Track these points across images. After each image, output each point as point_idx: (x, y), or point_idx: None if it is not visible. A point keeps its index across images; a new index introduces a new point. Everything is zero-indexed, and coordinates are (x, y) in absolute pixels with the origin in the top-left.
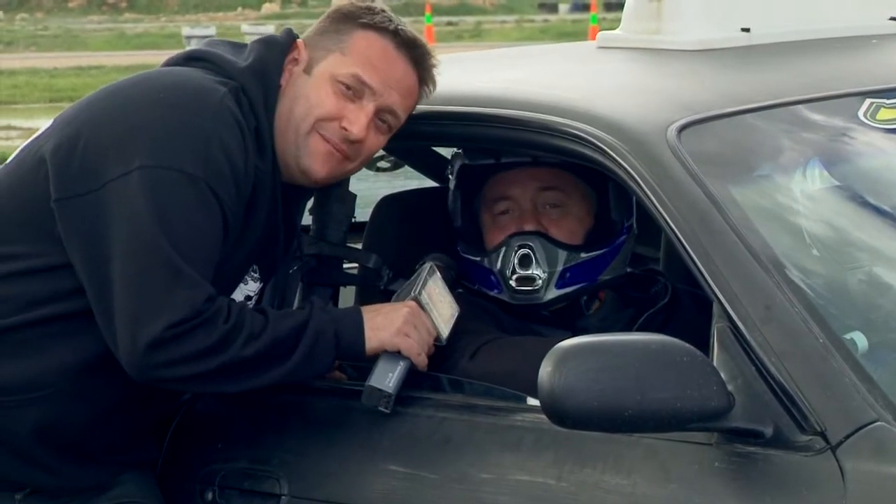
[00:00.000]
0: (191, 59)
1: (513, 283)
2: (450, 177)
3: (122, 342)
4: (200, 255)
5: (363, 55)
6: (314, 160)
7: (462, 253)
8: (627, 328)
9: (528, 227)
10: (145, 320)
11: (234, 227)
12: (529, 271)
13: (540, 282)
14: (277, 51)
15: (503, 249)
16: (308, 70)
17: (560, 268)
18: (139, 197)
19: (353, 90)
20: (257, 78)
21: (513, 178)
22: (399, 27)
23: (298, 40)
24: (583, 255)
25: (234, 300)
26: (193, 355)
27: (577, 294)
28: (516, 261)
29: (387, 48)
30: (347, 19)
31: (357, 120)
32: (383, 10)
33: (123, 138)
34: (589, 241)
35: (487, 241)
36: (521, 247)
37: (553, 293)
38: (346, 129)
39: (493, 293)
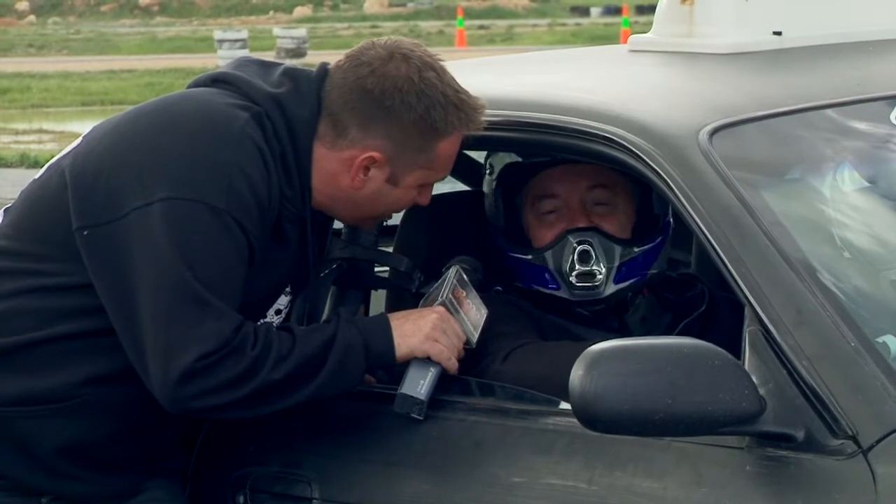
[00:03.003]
0: (216, 80)
1: (573, 279)
2: (487, 176)
3: (154, 375)
4: (226, 286)
5: (446, 162)
6: (374, 226)
7: (508, 252)
8: (667, 333)
9: (580, 224)
10: (175, 354)
11: (261, 253)
12: (589, 267)
13: (601, 277)
14: (307, 92)
15: (559, 246)
16: (394, 182)
17: (617, 263)
18: (161, 229)
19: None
20: (280, 111)
21: (560, 175)
22: (462, 112)
23: (377, 155)
24: (636, 249)
25: (261, 324)
26: (224, 384)
27: (630, 289)
28: (576, 257)
29: (460, 141)
30: (426, 133)
31: (427, 194)
32: (441, 92)
33: (144, 168)
34: (636, 236)
35: (536, 238)
36: (580, 243)
37: (612, 288)
38: (418, 203)
39: (549, 290)
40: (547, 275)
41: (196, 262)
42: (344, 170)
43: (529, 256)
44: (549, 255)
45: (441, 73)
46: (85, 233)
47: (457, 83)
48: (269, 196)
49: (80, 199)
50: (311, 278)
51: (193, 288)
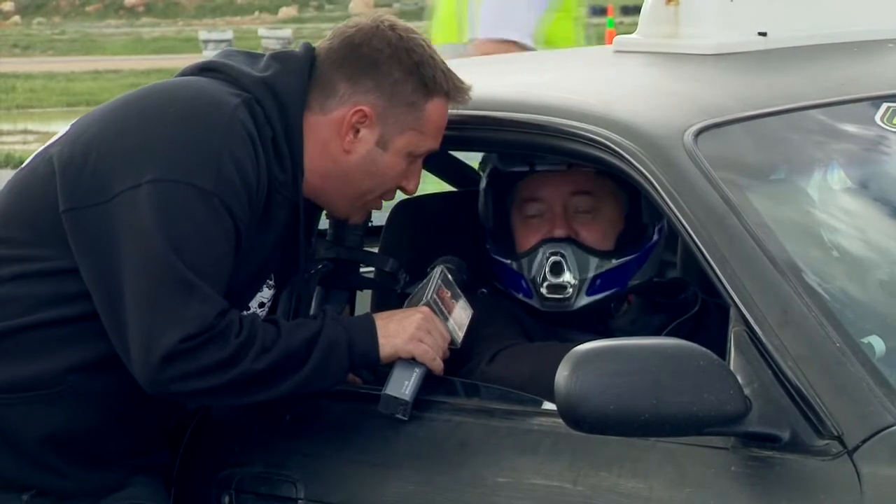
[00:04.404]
0: (205, 69)
1: (543, 290)
2: (481, 175)
3: (136, 357)
4: (212, 269)
5: (436, 128)
6: (363, 216)
7: (492, 254)
8: (657, 334)
9: (559, 232)
10: (158, 335)
11: (247, 238)
12: (561, 279)
13: (571, 290)
14: (295, 68)
15: (534, 255)
16: (383, 146)
17: (591, 275)
18: (148, 211)
19: (420, 156)
20: (271, 93)
21: (545, 181)
22: (451, 78)
23: (367, 109)
24: (614, 261)
25: (246, 313)
26: (206, 369)
27: (607, 299)
28: (548, 268)
29: (447, 110)
30: (416, 89)
31: (415, 178)
32: (430, 55)
33: (134, 151)
34: (620, 244)
35: (518, 243)
36: (552, 254)
37: (584, 300)
38: (403, 187)
39: (522, 298)
40: (523, 282)
41: (183, 245)
42: (335, 133)
43: (509, 261)
44: (524, 262)
45: (427, 42)
46: (73, 215)
47: (441, 57)
48: (257, 181)
49: (69, 183)
50: (301, 261)
51: (179, 270)
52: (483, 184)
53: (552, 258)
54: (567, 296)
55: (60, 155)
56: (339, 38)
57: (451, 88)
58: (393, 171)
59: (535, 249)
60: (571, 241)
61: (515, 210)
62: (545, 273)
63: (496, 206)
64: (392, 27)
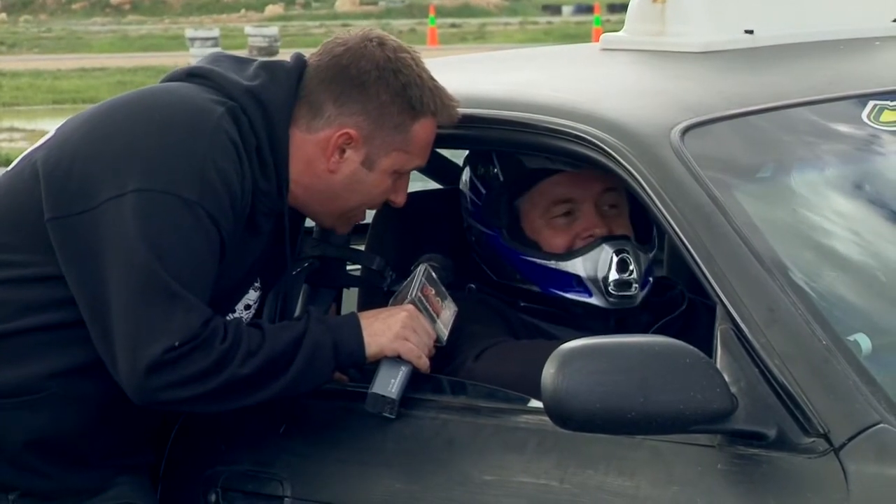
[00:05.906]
0: (191, 75)
1: (612, 288)
2: (474, 174)
3: (122, 366)
4: (196, 279)
5: (422, 146)
6: (348, 228)
7: (520, 255)
8: (644, 332)
9: (598, 231)
10: (143, 344)
11: (232, 247)
12: (628, 275)
13: (636, 285)
14: (283, 80)
15: (593, 254)
16: (369, 166)
17: (644, 268)
18: (132, 220)
19: (406, 173)
20: (256, 103)
21: (574, 179)
22: (438, 97)
23: (353, 132)
24: (650, 254)
25: (231, 319)
26: (192, 377)
27: (647, 294)
28: (615, 266)
29: (435, 128)
30: (403, 111)
31: (402, 192)
32: (417, 74)
33: (118, 160)
34: (642, 238)
35: (549, 243)
36: (619, 252)
37: (641, 295)
38: (391, 200)
39: (577, 297)
40: (576, 282)
41: (167, 254)
42: (320, 153)
43: (552, 262)
44: (579, 262)
45: (416, 59)
46: (58, 223)
47: (431, 73)
48: (241, 190)
49: (53, 190)
50: (287, 270)
51: (163, 280)
52: (496, 183)
53: (620, 255)
54: (633, 292)
55: (46, 160)
56: (328, 56)
57: (439, 108)
58: (378, 189)
59: (591, 248)
60: (627, 237)
61: (537, 210)
62: (612, 270)
63: (510, 204)
64: (381, 44)
